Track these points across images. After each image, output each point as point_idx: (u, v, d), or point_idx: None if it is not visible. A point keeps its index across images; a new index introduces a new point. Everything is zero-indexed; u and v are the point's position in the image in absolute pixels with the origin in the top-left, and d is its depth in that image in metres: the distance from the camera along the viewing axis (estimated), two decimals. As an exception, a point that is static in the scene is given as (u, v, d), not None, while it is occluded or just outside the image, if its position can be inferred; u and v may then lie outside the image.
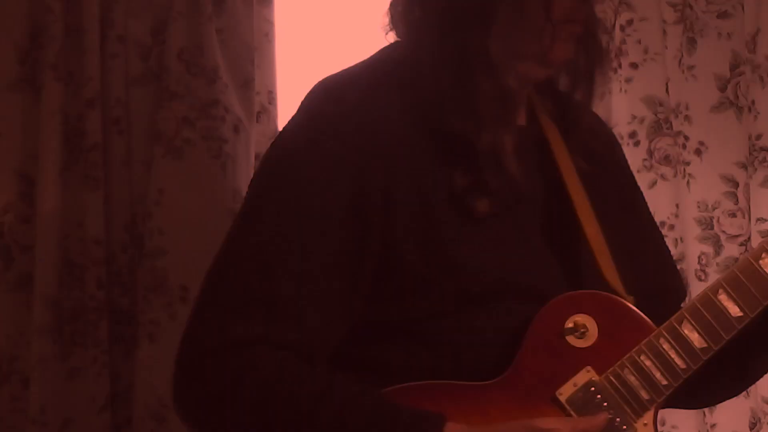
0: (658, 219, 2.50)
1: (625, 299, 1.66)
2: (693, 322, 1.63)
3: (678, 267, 2.48)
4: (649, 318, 1.67)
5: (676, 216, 2.52)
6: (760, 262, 1.66)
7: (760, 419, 2.55)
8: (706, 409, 2.53)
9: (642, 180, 2.51)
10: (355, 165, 1.59)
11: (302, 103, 1.69)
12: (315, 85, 1.69)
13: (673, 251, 2.50)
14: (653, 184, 2.53)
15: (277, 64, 2.38)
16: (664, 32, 2.52)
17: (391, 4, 1.70)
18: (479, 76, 1.63)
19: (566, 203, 1.70)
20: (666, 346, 1.62)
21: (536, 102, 1.76)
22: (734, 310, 1.64)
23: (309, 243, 1.57)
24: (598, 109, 2.49)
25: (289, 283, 1.56)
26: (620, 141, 2.50)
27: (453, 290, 1.59)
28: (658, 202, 2.52)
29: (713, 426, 2.54)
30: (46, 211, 2.25)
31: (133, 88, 2.31)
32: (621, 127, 2.52)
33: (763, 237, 2.54)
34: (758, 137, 2.54)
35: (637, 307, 1.67)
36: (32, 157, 2.28)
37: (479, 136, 1.61)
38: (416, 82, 1.64)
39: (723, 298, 1.64)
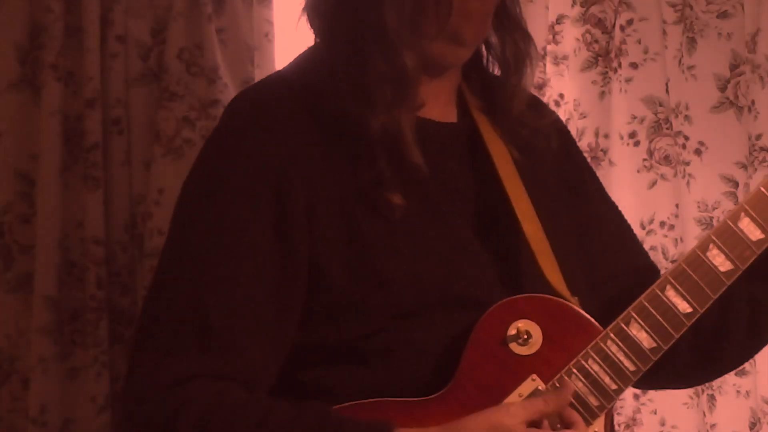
0: (657, 219, 2.51)
1: (569, 301, 1.59)
2: (641, 322, 1.57)
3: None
4: (616, 299, 1.63)
5: (676, 216, 2.52)
6: (708, 254, 1.60)
7: (760, 419, 2.55)
8: (705, 409, 2.53)
9: (642, 180, 2.52)
10: (273, 182, 1.53)
11: (220, 119, 1.65)
12: (231, 100, 1.66)
13: (673, 251, 2.50)
14: (653, 184, 2.53)
15: (276, 64, 2.38)
16: (664, 32, 2.52)
17: (305, 4, 1.65)
18: (372, 53, 1.55)
19: (503, 202, 1.63)
20: (614, 348, 1.56)
21: (468, 96, 1.70)
22: (683, 306, 1.58)
23: (236, 269, 1.52)
24: (599, 109, 2.51)
25: (220, 314, 1.51)
26: (620, 141, 2.51)
27: (386, 306, 1.53)
28: (658, 202, 2.52)
29: (713, 426, 2.54)
30: (46, 211, 2.25)
31: (133, 88, 2.30)
32: (621, 127, 2.52)
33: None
34: (758, 137, 2.54)
35: (588, 302, 1.62)
36: (32, 157, 2.27)
37: (372, 119, 1.54)
38: (320, 82, 1.59)
39: (671, 294, 1.58)
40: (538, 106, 1.79)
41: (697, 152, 2.56)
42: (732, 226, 1.61)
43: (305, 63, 1.65)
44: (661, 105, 2.52)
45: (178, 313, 1.52)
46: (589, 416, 1.55)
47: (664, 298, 1.58)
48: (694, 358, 1.74)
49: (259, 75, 2.35)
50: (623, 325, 1.57)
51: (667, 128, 2.52)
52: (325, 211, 1.54)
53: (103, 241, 2.26)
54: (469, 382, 1.54)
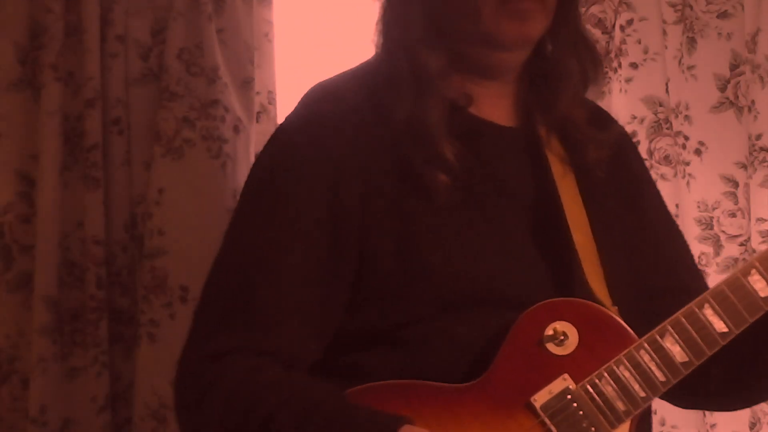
0: (658, 219, 2.51)
1: (608, 309, 1.62)
2: (675, 336, 1.60)
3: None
4: (662, 316, 1.64)
5: (676, 216, 2.52)
6: (749, 278, 1.62)
7: (760, 419, 2.55)
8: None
9: (642, 180, 2.52)
10: (331, 171, 1.59)
11: (295, 107, 1.70)
12: (308, 90, 1.71)
13: (673, 251, 2.50)
14: (653, 184, 2.53)
15: (276, 64, 2.39)
16: (664, 32, 2.52)
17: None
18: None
19: (557, 209, 1.66)
20: (646, 358, 1.59)
21: (531, 102, 1.72)
22: (719, 326, 1.61)
23: (287, 250, 1.59)
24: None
25: (268, 291, 1.57)
26: (620, 141, 2.51)
27: (429, 297, 1.58)
28: (658, 202, 2.52)
29: (713, 426, 2.54)
30: (46, 211, 2.25)
31: (133, 88, 2.31)
32: (621, 127, 2.52)
33: (763, 237, 2.54)
34: (758, 137, 2.55)
35: (631, 313, 1.64)
36: (32, 157, 2.27)
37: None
38: (373, 79, 1.65)
39: (708, 313, 1.61)
40: (601, 117, 1.81)
41: (697, 152, 2.56)
42: None
43: (369, 63, 1.71)
44: (661, 105, 2.52)
45: (229, 290, 1.60)
46: (616, 420, 1.58)
47: (701, 316, 1.61)
48: (726, 385, 1.76)
49: (259, 75, 2.36)
50: (657, 337, 1.60)
51: (667, 128, 2.52)
52: (379, 200, 1.59)
53: (103, 241, 2.27)
54: (501, 375, 1.57)
